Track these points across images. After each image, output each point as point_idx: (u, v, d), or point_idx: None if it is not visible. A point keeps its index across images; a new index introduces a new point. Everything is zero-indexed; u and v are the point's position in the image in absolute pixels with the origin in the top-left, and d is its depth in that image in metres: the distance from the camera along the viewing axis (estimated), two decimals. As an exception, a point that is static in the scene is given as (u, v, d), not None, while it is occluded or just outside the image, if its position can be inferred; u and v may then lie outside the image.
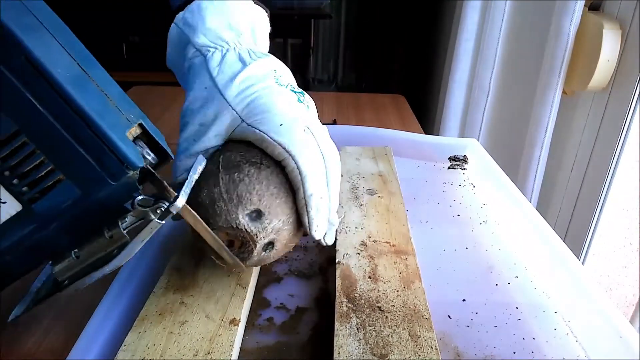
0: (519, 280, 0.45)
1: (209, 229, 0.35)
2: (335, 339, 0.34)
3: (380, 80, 2.31)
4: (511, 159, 1.09)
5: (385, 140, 0.69)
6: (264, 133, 0.37)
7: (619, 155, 0.82)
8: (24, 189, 0.28)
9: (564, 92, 0.93)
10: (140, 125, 0.31)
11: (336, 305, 0.37)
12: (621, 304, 0.93)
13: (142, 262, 0.44)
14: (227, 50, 0.41)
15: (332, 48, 2.76)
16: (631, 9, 0.80)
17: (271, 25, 0.46)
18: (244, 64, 0.40)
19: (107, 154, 0.28)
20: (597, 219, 0.88)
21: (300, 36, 2.54)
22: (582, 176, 0.92)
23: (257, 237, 0.36)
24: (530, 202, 0.72)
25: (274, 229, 0.36)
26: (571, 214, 0.95)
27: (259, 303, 0.41)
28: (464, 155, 0.68)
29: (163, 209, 0.31)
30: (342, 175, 0.58)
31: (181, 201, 0.31)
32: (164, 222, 0.31)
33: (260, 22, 0.43)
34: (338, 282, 0.40)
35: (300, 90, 0.42)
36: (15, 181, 0.28)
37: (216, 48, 0.41)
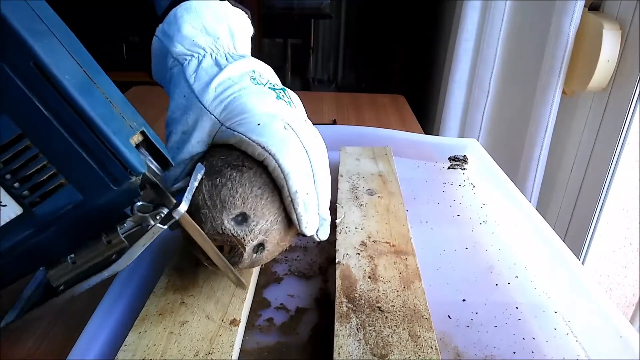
0: (519, 280, 0.45)
1: (206, 237, 0.34)
2: (335, 339, 0.34)
3: (380, 80, 2.31)
4: (511, 159, 1.09)
5: (385, 140, 0.69)
6: (242, 134, 0.37)
7: (618, 155, 0.82)
8: (25, 192, 0.28)
9: (563, 92, 0.93)
10: (142, 132, 0.31)
11: (336, 306, 0.37)
12: (621, 304, 0.93)
13: (142, 262, 0.44)
14: (204, 56, 0.41)
15: (332, 48, 2.76)
16: (631, 9, 0.80)
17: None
18: (220, 68, 0.40)
19: (111, 160, 0.28)
20: (597, 219, 0.88)
21: (300, 36, 2.54)
22: (582, 176, 0.92)
23: (244, 240, 0.35)
24: (530, 202, 0.72)
25: (262, 230, 0.36)
26: (571, 214, 0.95)
27: (259, 303, 0.41)
28: (464, 156, 0.68)
29: (163, 215, 0.32)
30: (341, 176, 0.58)
31: (184, 207, 0.32)
32: (166, 227, 0.32)
33: (239, 24, 0.43)
34: (338, 282, 0.40)
35: (282, 87, 0.42)
36: (16, 184, 0.28)
37: (192, 55, 0.41)
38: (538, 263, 0.46)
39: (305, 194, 0.37)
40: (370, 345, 0.33)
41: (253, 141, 0.36)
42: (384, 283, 0.40)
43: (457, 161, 0.67)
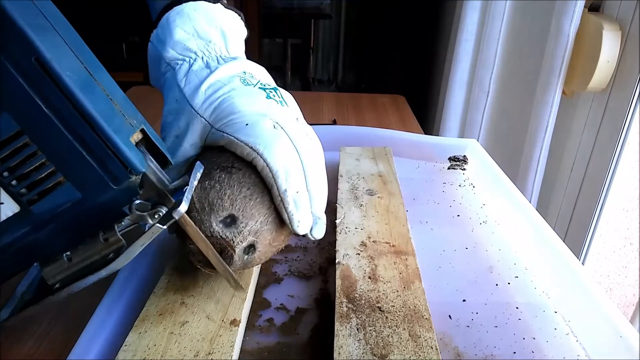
0: (519, 280, 0.45)
1: (204, 236, 0.34)
2: (336, 339, 0.34)
3: (380, 80, 2.31)
4: (511, 159, 1.09)
5: (385, 141, 0.69)
6: (230, 135, 0.37)
7: (618, 156, 0.82)
8: (23, 190, 0.28)
9: (563, 93, 0.93)
10: (142, 130, 0.31)
11: (336, 306, 0.37)
12: (621, 304, 0.93)
13: (142, 262, 0.44)
14: (195, 60, 0.41)
15: (332, 48, 2.77)
16: (631, 10, 0.80)
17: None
18: (211, 70, 0.40)
19: (111, 158, 0.28)
20: (597, 219, 0.88)
21: (300, 36, 2.54)
22: (581, 176, 0.92)
23: (233, 242, 0.35)
24: (530, 202, 0.72)
25: (251, 231, 0.36)
26: (571, 214, 0.95)
27: (259, 304, 0.41)
28: (464, 156, 0.68)
29: (162, 214, 0.31)
30: (341, 176, 0.58)
31: (184, 207, 0.31)
32: (165, 227, 0.31)
33: (232, 26, 0.43)
34: (338, 282, 0.40)
35: (273, 86, 0.42)
36: (14, 182, 0.28)
37: (184, 60, 0.41)
38: (538, 263, 0.46)
39: (296, 192, 0.37)
40: (371, 345, 0.33)
41: (241, 141, 0.36)
42: (384, 283, 0.40)
43: (457, 161, 0.67)
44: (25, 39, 0.25)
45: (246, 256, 0.37)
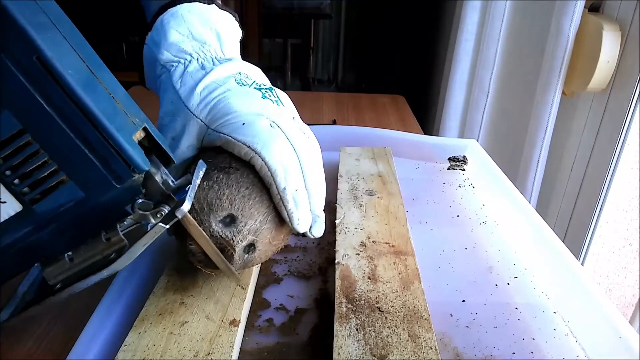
0: (518, 280, 0.45)
1: (206, 236, 0.34)
2: (335, 339, 0.34)
3: (380, 80, 2.31)
4: (511, 159, 1.09)
5: (384, 141, 0.69)
6: (227, 135, 0.37)
7: (618, 156, 0.82)
8: (25, 189, 0.28)
9: (563, 93, 0.93)
10: (145, 129, 0.31)
11: (336, 306, 0.37)
12: (621, 305, 0.94)
13: (142, 262, 0.44)
14: (190, 61, 0.41)
15: (332, 48, 2.77)
16: (631, 10, 0.80)
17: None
18: (206, 72, 0.40)
19: (114, 156, 0.28)
20: (597, 219, 0.88)
21: (300, 36, 2.54)
22: (581, 177, 0.92)
23: (233, 241, 0.35)
24: (529, 202, 0.72)
25: (251, 230, 0.36)
26: (571, 214, 0.95)
27: (259, 304, 0.41)
28: (464, 156, 0.68)
29: (164, 213, 0.31)
30: (341, 176, 0.58)
31: (187, 206, 0.31)
32: (168, 226, 0.31)
33: (226, 28, 0.43)
34: (337, 282, 0.40)
35: (269, 86, 0.42)
36: (16, 181, 0.27)
37: (179, 62, 0.41)
38: (537, 263, 0.46)
39: (295, 191, 0.37)
40: (370, 345, 0.33)
41: (238, 141, 0.36)
42: (384, 283, 0.40)
43: (457, 162, 0.68)
44: (26, 37, 0.25)
45: (246, 255, 0.37)
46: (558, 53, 0.90)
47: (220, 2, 0.44)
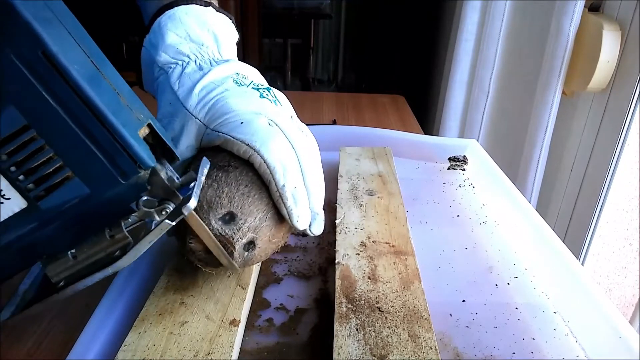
0: (518, 280, 0.45)
1: (211, 233, 0.35)
2: (335, 339, 0.34)
3: (380, 80, 2.31)
4: (511, 159, 1.09)
5: (384, 141, 0.69)
6: (226, 134, 0.37)
7: (618, 156, 0.82)
8: (30, 185, 0.27)
9: (563, 93, 0.93)
10: (149, 125, 0.30)
11: (336, 306, 0.37)
12: (621, 305, 0.94)
13: (142, 262, 0.44)
14: (187, 63, 0.41)
15: (332, 48, 2.77)
16: (631, 10, 0.80)
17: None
18: (204, 73, 0.40)
19: (120, 152, 0.28)
20: (597, 219, 0.88)
21: (300, 36, 2.54)
22: (581, 176, 0.92)
23: (233, 239, 0.35)
24: (529, 202, 0.72)
25: (251, 227, 0.36)
26: (571, 214, 0.95)
27: (259, 304, 0.41)
28: (464, 156, 0.68)
29: (169, 211, 0.31)
30: (341, 176, 0.58)
31: (193, 203, 0.31)
32: (174, 223, 0.31)
33: (223, 30, 0.43)
34: (337, 282, 0.40)
35: (266, 86, 0.42)
36: (21, 177, 0.27)
37: (177, 63, 0.41)
38: (538, 263, 0.46)
39: (294, 188, 0.37)
40: (370, 345, 0.33)
41: (237, 139, 0.37)
42: (384, 283, 0.40)
43: (457, 161, 0.67)
44: (32, 32, 0.24)
45: (246, 253, 0.37)
46: (558, 53, 0.90)
47: (216, 5, 0.44)
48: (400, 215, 0.50)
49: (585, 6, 0.87)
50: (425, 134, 0.81)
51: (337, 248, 0.44)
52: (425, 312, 0.37)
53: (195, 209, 0.34)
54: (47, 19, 0.26)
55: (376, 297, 0.38)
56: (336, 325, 0.35)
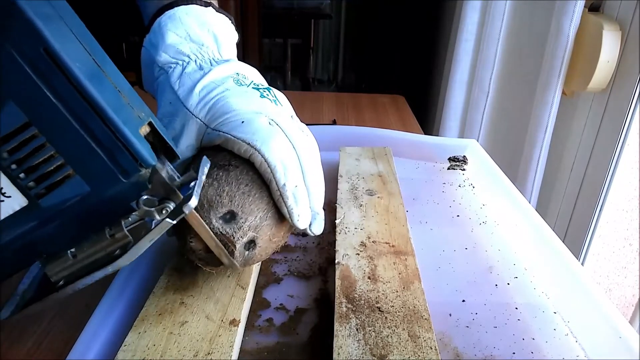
0: (518, 280, 0.45)
1: (210, 231, 0.35)
2: (335, 339, 0.34)
3: (380, 80, 2.31)
4: (511, 159, 1.09)
5: (384, 141, 0.69)
6: (227, 133, 0.37)
7: (618, 156, 0.82)
8: (31, 183, 0.27)
9: (563, 93, 0.93)
10: (150, 123, 0.30)
11: (336, 306, 0.37)
12: (621, 305, 0.94)
13: (142, 262, 0.44)
14: (188, 63, 0.41)
15: (332, 48, 2.77)
16: (631, 10, 0.80)
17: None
18: (204, 72, 0.40)
19: (121, 150, 0.27)
20: (597, 219, 0.88)
21: (300, 36, 2.54)
22: (581, 176, 0.92)
23: (234, 237, 0.35)
24: (529, 202, 0.72)
25: (251, 226, 0.36)
26: (571, 214, 0.95)
27: (259, 304, 0.41)
28: (464, 156, 0.68)
29: (169, 210, 0.31)
30: (341, 176, 0.58)
31: (194, 202, 0.31)
32: (175, 221, 0.31)
33: (223, 30, 0.43)
34: (337, 282, 0.40)
35: (266, 86, 0.42)
36: (22, 175, 0.27)
37: (177, 63, 0.41)
38: (537, 263, 0.46)
39: (294, 187, 0.37)
40: (370, 345, 0.33)
41: (238, 138, 0.37)
42: (384, 283, 0.40)
43: (457, 162, 0.68)
44: (34, 28, 0.24)
45: (247, 252, 0.37)
46: (558, 53, 0.90)
47: (216, 5, 0.44)
48: (400, 215, 0.50)
49: (585, 6, 0.87)
50: (425, 134, 0.81)
51: (337, 248, 0.44)
52: (425, 312, 0.37)
53: (195, 208, 0.34)
54: (48, 15, 0.26)
55: (376, 297, 0.38)
56: (336, 325, 0.35)
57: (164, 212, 0.31)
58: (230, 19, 0.44)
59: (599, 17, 0.85)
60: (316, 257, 0.48)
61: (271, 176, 0.36)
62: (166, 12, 0.41)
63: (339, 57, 2.78)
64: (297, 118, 0.42)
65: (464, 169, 0.67)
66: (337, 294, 0.38)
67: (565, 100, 0.94)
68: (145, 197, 0.31)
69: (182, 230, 0.36)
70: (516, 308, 0.41)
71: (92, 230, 0.31)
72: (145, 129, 0.30)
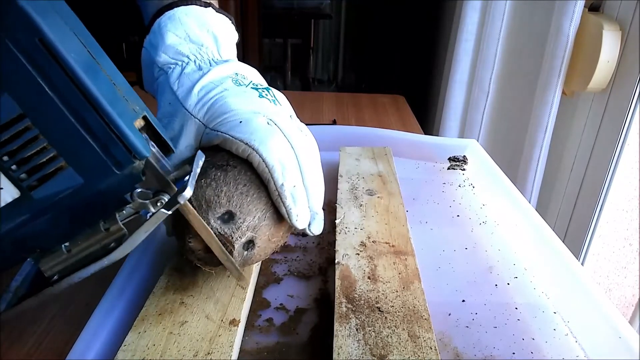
0: (518, 280, 0.45)
1: (207, 226, 0.34)
2: (335, 339, 0.34)
3: (380, 80, 2.31)
4: (511, 159, 1.09)
5: (384, 141, 0.69)
6: (225, 133, 0.37)
7: (618, 156, 0.82)
8: (23, 175, 0.27)
9: (563, 93, 0.93)
10: (145, 117, 0.30)
11: (335, 306, 0.37)
12: (621, 305, 0.93)
13: (142, 262, 0.44)
14: (187, 63, 0.41)
15: (332, 48, 2.77)
16: (631, 10, 0.80)
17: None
18: (203, 73, 0.40)
19: (115, 142, 0.27)
20: (597, 219, 0.88)
21: (300, 36, 2.54)
22: (581, 176, 0.92)
23: (232, 238, 0.35)
24: (529, 202, 0.72)
25: (250, 226, 0.36)
26: (571, 214, 0.95)
27: (259, 304, 0.41)
28: (464, 156, 0.68)
29: (164, 202, 0.31)
30: (341, 176, 0.58)
31: (189, 192, 0.31)
32: (170, 212, 0.31)
33: (223, 30, 0.43)
34: (337, 282, 0.40)
35: (265, 86, 0.42)
36: (14, 167, 0.27)
37: (176, 64, 0.41)
38: (537, 263, 0.46)
39: (293, 187, 0.37)
40: (370, 345, 0.33)
41: (236, 138, 0.37)
42: (384, 283, 0.40)
43: (457, 161, 0.68)
44: (29, 19, 0.24)
45: (245, 252, 0.37)
46: (558, 53, 0.90)
47: (216, 5, 0.44)
48: (400, 215, 0.50)
49: (585, 6, 0.87)
50: (425, 134, 0.81)
51: (337, 248, 0.44)
52: (425, 312, 0.37)
53: (195, 208, 0.34)
54: (44, 7, 0.26)
55: (376, 297, 0.38)
56: (336, 325, 0.35)
57: (158, 204, 0.31)
58: (230, 19, 0.45)
59: (599, 17, 0.85)
60: (316, 257, 0.48)
61: (269, 176, 0.36)
62: (166, 13, 0.41)
63: (339, 57, 2.78)
64: (297, 118, 0.42)
65: (464, 169, 0.67)
66: (337, 294, 0.38)
67: (565, 100, 0.94)
68: (139, 189, 0.30)
69: (182, 230, 0.36)
70: (516, 308, 0.41)
71: (85, 223, 0.31)
72: (139, 123, 0.30)
